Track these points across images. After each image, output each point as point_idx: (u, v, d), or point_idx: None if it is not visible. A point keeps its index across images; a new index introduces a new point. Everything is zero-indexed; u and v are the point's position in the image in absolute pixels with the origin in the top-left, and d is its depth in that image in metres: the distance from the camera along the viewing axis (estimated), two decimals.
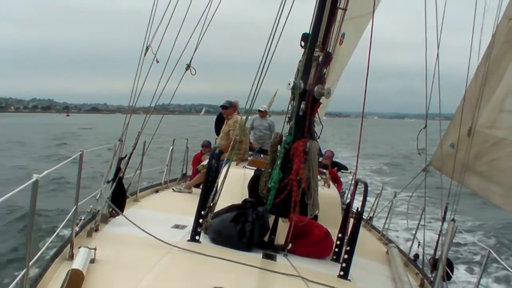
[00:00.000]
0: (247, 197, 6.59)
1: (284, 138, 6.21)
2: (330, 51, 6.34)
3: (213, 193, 6.00)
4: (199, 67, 7.90)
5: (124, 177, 7.35)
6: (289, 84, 6.08)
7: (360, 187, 6.20)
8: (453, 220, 5.74)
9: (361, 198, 5.94)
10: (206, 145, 12.28)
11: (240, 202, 6.33)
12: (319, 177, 6.85)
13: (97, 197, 6.85)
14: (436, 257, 6.50)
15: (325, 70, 6.31)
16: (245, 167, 8.43)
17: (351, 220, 6.23)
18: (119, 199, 6.86)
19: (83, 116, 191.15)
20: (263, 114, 13.36)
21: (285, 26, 6.02)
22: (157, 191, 9.88)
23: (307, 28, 6.29)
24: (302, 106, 6.07)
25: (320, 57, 6.16)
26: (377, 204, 10.96)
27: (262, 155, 10.27)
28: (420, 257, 7.88)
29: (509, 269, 5.13)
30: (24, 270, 3.63)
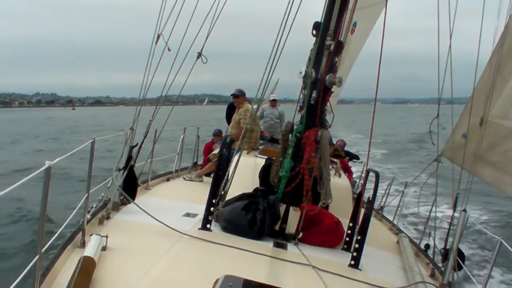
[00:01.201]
0: (258, 185, 6.60)
1: (295, 127, 6.19)
2: (341, 40, 6.30)
3: (224, 181, 6.00)
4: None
5: (135, 165, 7.37)
6: (300, 73, 6.05)
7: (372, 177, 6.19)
8: (464, 210, 5.72)
9: (372, 188, 5.94)
10: (217, 133, 12.30)
11: (251, 191, 6.34)
12: (330, 166, 6.85)
13: (109, 185, 6.88)
14: (447, 247, 6.47)
15: (336, 59, 6.28)
16: (256, 156, 8.43)
17: (362, 210, 6.23)
18: (130, 187, 6.89)
19: (88, 109, 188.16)
20: (273, 103, 13.40)
21: (296, 16, 5.99)
22: (168, 180, 9.92)
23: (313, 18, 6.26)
24: (314, 95, 6.05)
25: (332, 46, 6.12)
26: (388, 193, 10.93)
27: (273, 144, 10.26)
28: (431, 247, 7.86)
29: None
30: (36, 257, 3.64)
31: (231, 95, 10.57)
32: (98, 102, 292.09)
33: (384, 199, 11.01)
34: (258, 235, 5.76)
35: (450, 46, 7.38)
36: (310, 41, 6.27)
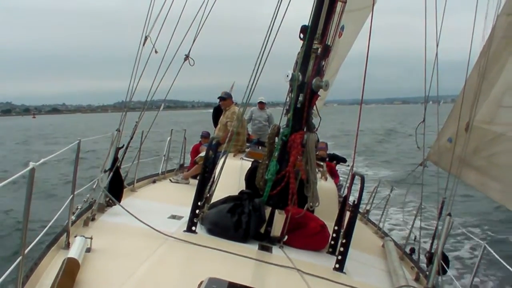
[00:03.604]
0: (244, 188, 6.59)
1: (281, 130, 6.19)
2: (329, 43, 6.31)
3: (210, 184, 5.99)
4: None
5: (121, 167, 7.34)
6: (287, 76, 6.04)
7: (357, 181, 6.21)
8: (449, 214, 5.75)
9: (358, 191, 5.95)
10: (205, 135, 12.29)
11: (236, 194, 6.33)
12: (316, 169, 6.85)
13: (94, 187, 6.84)
14: (432, 251, 6.51)
15: (323, 63, 6.29)
16: (243, 159, 8.42)
17: (348, 213, 6.24)
18: (116, 189, 6.84)
19: (48, 117, 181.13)
20: (261, 105, 13.43)
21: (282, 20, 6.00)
22: (154, 182, 9.89)
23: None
24: (300, 98, 6.05)
25: (319, 50, 6.13)
26: (373, 197, 10.97)
27: (259, 147, 10.26)
28: (416, 251, 7.89)
29: (504, 263, 5.14)
30: (20, 258, 3.61)
31: (218, 97, 10.59)
32: (55, 110, 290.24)
33: (370, 201, 11.04)
34: (243, 238, 5.75)
35: (436, 54, 7.44)
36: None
